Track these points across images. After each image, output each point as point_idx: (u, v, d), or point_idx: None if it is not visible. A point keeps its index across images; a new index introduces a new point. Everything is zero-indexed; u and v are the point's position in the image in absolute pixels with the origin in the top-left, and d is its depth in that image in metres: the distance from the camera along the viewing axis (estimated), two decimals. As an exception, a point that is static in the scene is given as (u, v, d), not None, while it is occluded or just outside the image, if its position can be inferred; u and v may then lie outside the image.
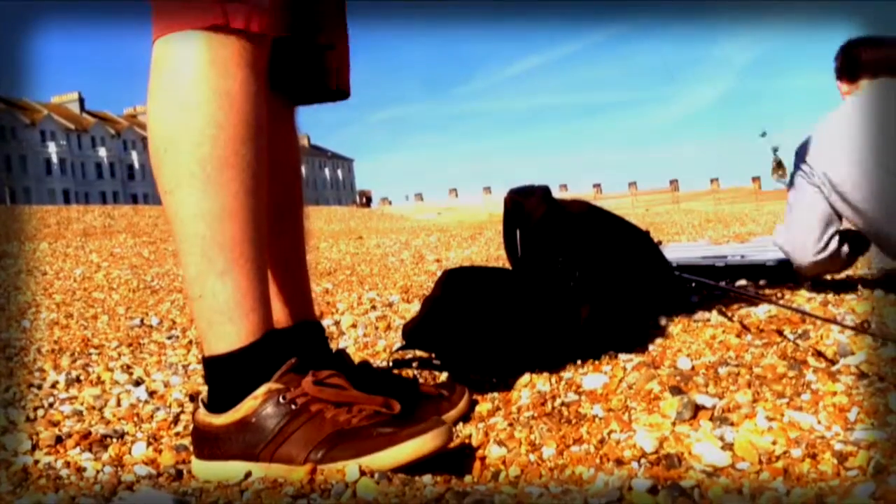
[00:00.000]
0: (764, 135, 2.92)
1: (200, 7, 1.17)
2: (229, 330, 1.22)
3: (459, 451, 1.28)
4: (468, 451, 1.28)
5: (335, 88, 1.53)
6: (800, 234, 2.43)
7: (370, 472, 1.07)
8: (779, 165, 3.00)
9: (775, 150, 2.98)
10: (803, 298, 2.49)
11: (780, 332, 1.95)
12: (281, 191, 1.49)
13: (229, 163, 1.19)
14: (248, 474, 1.14)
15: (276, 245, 1.47)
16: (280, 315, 1.47)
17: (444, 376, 1.87)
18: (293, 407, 1.19)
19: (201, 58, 1.18)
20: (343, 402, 1.22)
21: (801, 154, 2.43)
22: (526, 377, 1.69)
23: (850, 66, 2.52)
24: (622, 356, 1.81)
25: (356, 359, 2.08)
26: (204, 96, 1.18)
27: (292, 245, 1.56)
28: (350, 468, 1.07)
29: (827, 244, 2.40)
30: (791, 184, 2.49)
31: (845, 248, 2.43)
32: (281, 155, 1.48)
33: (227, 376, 1.23)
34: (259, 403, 1.19)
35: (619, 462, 1.14)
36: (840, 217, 2.37)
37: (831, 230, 2.40)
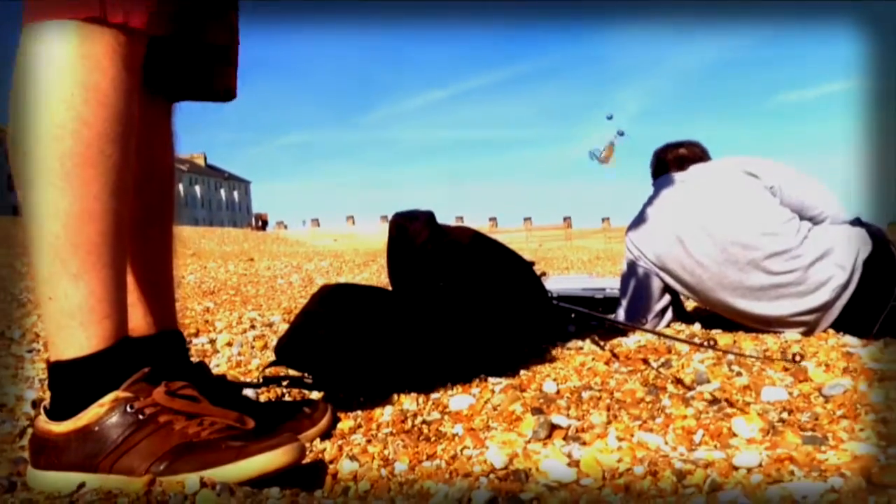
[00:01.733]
0: (611, 118, 3.04)
1: None
2: (80, 335, 1.16)
3: (312, 466, 1.26)
4: (321, 466, 1.26)
5: (220, 90, 1.49)
6: (636, 312, 2.71)
7: (212, 485, 1.04)
8: (610, 154, 3.13)
9: (621, 133, 3.14)
10: (672, 330, 2.60)
11: (645, 361, 2.01)
12: (151, 194, 1.44)
13: (92, 161, 1.14)
14: (82, 485, 1.08)
15: (141, 250, 1.42)
16: (138, 323, 1.41)
17: (313, 394, 1.84)
18: (140, 417, 1.14)
19: (73, 50, 1.12)
20: (194, 415, 1.18)
21: (629, 239, 2.76)
22: (393, 396, 1.68)
23: (659, 166, 2.98)
24: (492, 379, 1.83)
25: (229, 377, 2.03)
26: (71, 90, 1.13)
27: (158, 251, 1.51)
28: (190, 480, 1.03)
29: (662, 314, 2.72)
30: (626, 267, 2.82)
31: (669, 314, 2.74)
32: (154, 157, 1.43)
33: (73, 383, 1.17)
34: (104, 412, 1.14)
35: (468, 476, 1.15)
36: (668, 289, 2.68)
37: (663, 302, 2.70)
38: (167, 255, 1.52)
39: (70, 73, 1.13)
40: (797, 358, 1.83)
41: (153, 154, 1.42)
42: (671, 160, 2.91)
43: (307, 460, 1.26)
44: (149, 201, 1.42)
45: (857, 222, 2.56)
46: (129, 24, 1.15)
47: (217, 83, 1.48)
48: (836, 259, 2.38)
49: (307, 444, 1.36)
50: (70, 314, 1.15)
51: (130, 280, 1.36)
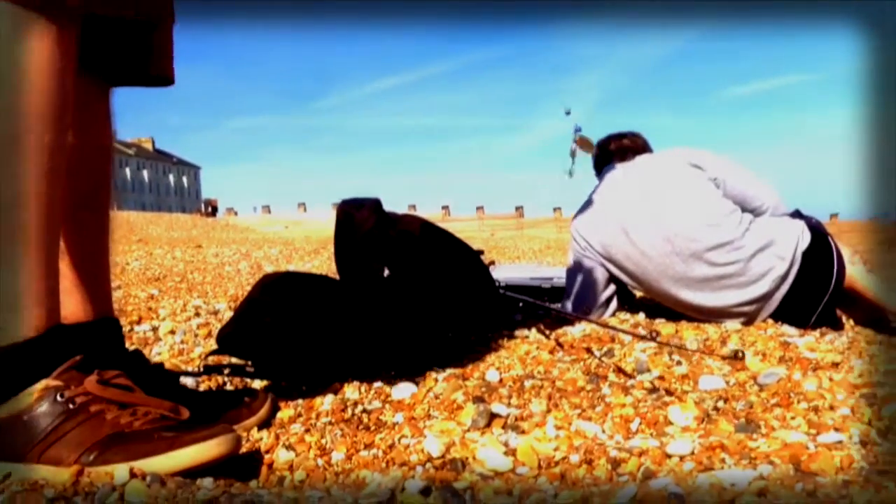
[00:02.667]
0: (568, 113, 3.11)
1: None
2: (9, 322, 1.13)
3: (248, 456, 1.25)
4: (257, 456, 1.25)
5: (156, 74, 1.44)
6: (581, 301, 2.74)
7: (142, 475, 1.02)
8: (584, 142, 3.20)
9: (578, 129, 3.20)
10: (617, 320, 2.63)
11: (588, 350, 2.03)
12: (87, 177, 1.40)
13: (22, 142, 1.10)
14: (8, 475, 1.05)
15: (75, 235, 1.38)
16: (71, 310, 1.37)
17: (255, 383, 1.82)
18: (71, 406, 1.11)
19: (4, 30, 1.09)
20: (127, 404, 1.15)
21: (575, 229, 2.79)
22: (336, 385, 1.67)
23: (604, 156, 3.00)
24: (436, 368, 1.83)
25: (168, 366, 2.00)
26: (1, 70, 1.09)
27: (93, 236, 1.46)
28: (119, 471, 1.01)
29: (607, 304, 2.75)
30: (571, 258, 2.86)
31: (614, 303, 2.78)
32: (90, 140, 1.39)
33: (2, 371, 1.13)
34: (34, 400, 1.11)
35: (404, 465, 1.15)
36: (613, 279, 2.72)
37: (608, 292, 2.74)
38: (103, 241, 1.49)
39: (1, 53, 1.09)
40: (739, 355, 1.87)
41: (89, 137, 1.38)
42: (615, 150, 2.93)
43: (243, 450, 1.24)
44: (84, 185, 1.38)
45: (796, 214, 2.62)
46: (63, 2, 1.11)
47: (153, 68, 1.43)
48: (776, 250, 2.43)
49: (245, 434, 1.34)
50: None
51: (64, 266, 1.32)
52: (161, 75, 1.46)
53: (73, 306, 1.38)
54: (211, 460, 1.09)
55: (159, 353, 2.27)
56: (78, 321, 1.39)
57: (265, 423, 1.44)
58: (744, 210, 2.56)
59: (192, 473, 1.08)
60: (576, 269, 2.77)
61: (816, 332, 2.30)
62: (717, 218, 2.47)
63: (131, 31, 1.36)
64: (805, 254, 2.43)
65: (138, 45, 1.39)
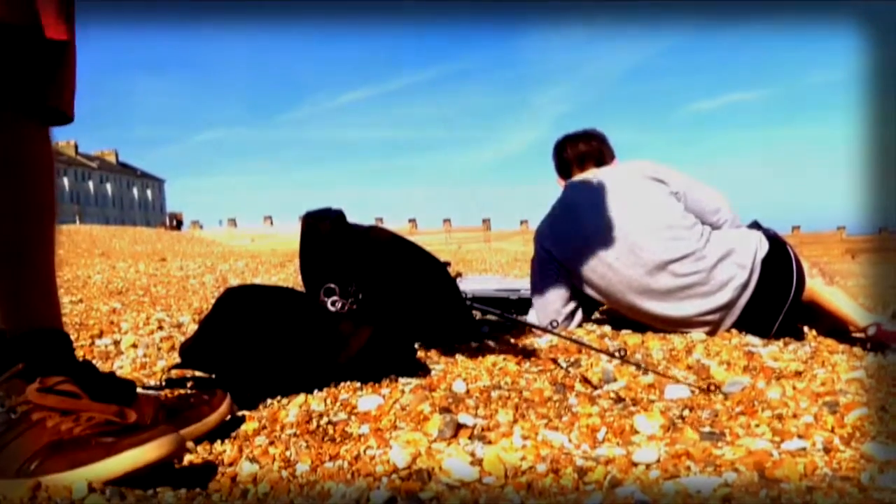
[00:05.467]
0: None
1: None
2: None
3: (210, 468, 1.22)
4: (221, 469, 1.22)
5: (54, 106, 1.28)
6: (547, 314, 2.72)
7: (101, 489, 1.00)
8: None
9: None
10: (584, 331, 2.64)
11: (554, 361, 2.03)
12: (23, 188, 1.34)
13: None
14: (-39, 493, 1.03)
15: (15, 245, 1.34)
16: (15, 320, 1.33)
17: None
18: (12, 416, 1.09)
19: None
20: (69, 411, 1.13)
21: (539, 241, 2.78)
22: (301, 397, 1.65)
23: (561, 164, 2.96)
24: (402, 380, 1.82)
25: (131, 379, 1.96)
26: None
27: (37, 246, 1.41)
28: (77, 484, 0.99)
29: (572, 315, 2.75)
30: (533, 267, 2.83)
31: (579, 315, 2.77)
32: (24, 157, 1.33)
33: None
34: None
35: (370, 476, 1.13)
36: (577, 290, 2.71)
37: (573, 304, 2.74)
38: (47, 251, 1.43)
39: None
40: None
41: (24, 155, 1.32)
42: (573, 159, 2.90)
43: (204, 460, 1.22)
44: (21, 195, 1.33)
45: (754, 225, 2.67)
46: None
47: (52, 98, 1.27)
48: (736, 259, 2.46)
49: (207, 445, 1.32)
50: None
51: (6, 278, 1.29)
52: (56, 109, 1.31)
53: (15, 316, 1.33)
54: (152, 462, 1.07)
55: (121, 367, 2.23)
56: (21, 331, 1.34)
57: (227, 433, 1.41)
58: (703, 223, 2.60)
59: (154, 483, 1.06)
60: (540, 280, 2.78)
61: (780, 342, 2.33)
62: (680, 230, 2.50)
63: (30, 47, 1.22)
64: (764, 261, 2.47)
65: (35, 63, 1.24)
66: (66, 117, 1.31)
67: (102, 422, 1.13)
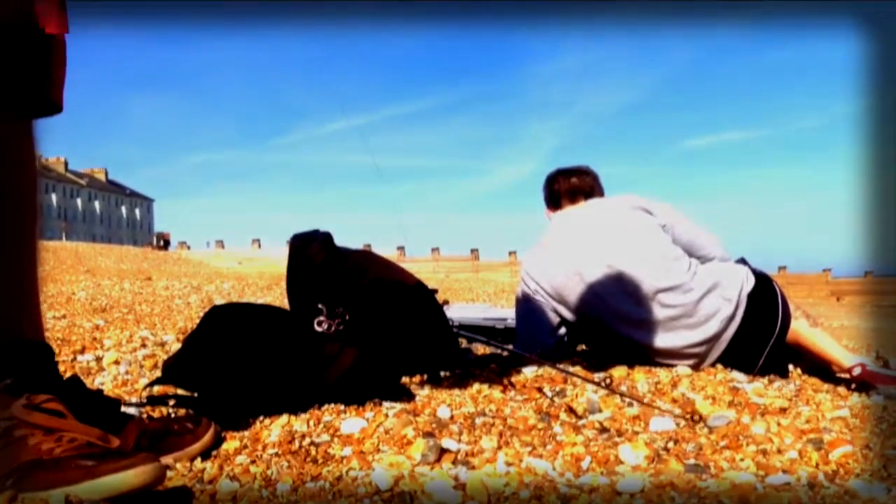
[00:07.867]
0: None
1: None
2: None
3: (191, 486, 1.20)
4: (200, 487, 1.21)
5: (45, 98, 1.28)
6: (533, 343, 2.70)
7: (77, 502, 0.98)
8: None
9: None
10: (569, 361, 2.63)
11: (539, 390, 2.02)
12: (13, 205, 1.33)
13: None
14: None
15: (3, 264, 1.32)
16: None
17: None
18: None
19: None
20: (53, 430, 1.11)
21: (526, 272, 2.78)
22: (283, 418, 1.64)
23: (552, 196, 2.97)
24: (386, 404, 1.81)
25: (111, 396, 1.94)
26: None
27: (19, 265, 1.39)
28: (54, 497, 0.97)
29: (558, 345, 2.73)
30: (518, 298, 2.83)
31: (565, 345, 2.76)
32: (14, 169, 1.32)
33: None
34: None
35: (351, 497, 1.12)
36: (563, 321, 2.70)
37: (559, 334, 2.73)
38: (30, 268, 1.41)
39: None
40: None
41: (11, 166, 1.30)
42: (564, 192, 2.92)
43: (185, 481, 1.20)
44: (9, 212, 1.31)
45: (741, 262, 2.68)
46: None
47: (50, 92, 1.28)
48: (722, 292, 2.47)
49: (187, 463, 1.30)
50: None
51: None
52: (51, 100, 1.30)
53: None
54: (130, 490, 1.05)
55: (102, 384, 2.21)
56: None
57: (208, 452, 1.40)
58: (690, 256, 2.61)
59: (116, 502, 1.04)
60: (525, 310, 2.77)
61: (764, 379, 2.33)
62: (668, 262, 2.51)
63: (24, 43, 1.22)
64: (750, 296, 2.48)
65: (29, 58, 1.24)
66: (55, 107, 1.29)
67: (84, 444, 1.11)
